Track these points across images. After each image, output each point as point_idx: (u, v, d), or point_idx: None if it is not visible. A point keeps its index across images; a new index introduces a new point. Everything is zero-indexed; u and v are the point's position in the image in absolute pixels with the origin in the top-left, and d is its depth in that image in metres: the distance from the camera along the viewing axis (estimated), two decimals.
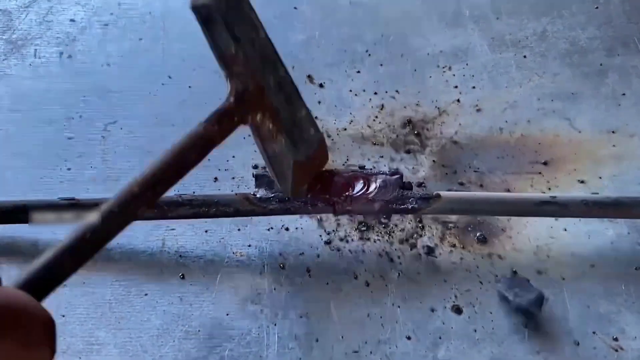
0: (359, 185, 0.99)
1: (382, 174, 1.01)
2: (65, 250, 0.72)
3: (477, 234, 1.04)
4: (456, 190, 1.09)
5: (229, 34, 0.80)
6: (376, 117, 1.19)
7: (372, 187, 0.99)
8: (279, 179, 0.90)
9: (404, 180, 1.00)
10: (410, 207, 0.98)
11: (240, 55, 0.80)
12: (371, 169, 1.07)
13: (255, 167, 1.10)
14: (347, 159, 1.13)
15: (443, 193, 0.99)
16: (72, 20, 1.31)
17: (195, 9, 0.79)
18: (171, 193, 0.99)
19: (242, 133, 1.14)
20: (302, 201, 0.98)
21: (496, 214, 1.04)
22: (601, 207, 1.00)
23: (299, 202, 0.97)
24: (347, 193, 0.98)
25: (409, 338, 0.93)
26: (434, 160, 1.13)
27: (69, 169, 1.09)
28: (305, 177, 0.91)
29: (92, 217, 0.74)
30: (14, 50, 1.26)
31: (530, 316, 0.94)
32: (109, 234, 0.75)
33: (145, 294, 0.95)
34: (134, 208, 0.76)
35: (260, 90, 0.82)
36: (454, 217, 1.05)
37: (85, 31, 1.30)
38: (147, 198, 0.77)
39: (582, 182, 1.10)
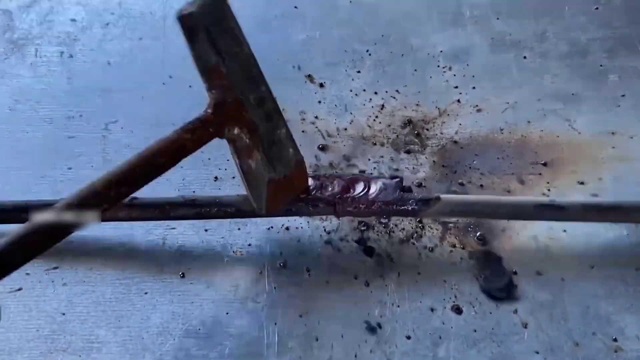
0: (359, 187, 0.99)
1: (383, 177, 1.01)
2: (17, 241, 0.73)
3: (477, 235, 1.04)
4: (456, 191, 1.09)
5: (211, 46, 0.80)
6: (376, 117, 1.19)
7: (373, 189, 0.99)
8: (252, 196, 0.90)
9: (404, 184, 1.00)
10: (410, 209, 0.98)
11: (221, 68, 0.80)
12: (371, 174, 1.07)
13: None
14: (348, 159, 1.13)
15: (443, 196, 0.99)
16: (73, 19, 1.32)
17: (180, 18, 0.79)
18: (172, 193, 1.01)
19: None
20: (304, 202, 0.98)
21: (495, 217, 1.04)
22: (600, 211, 1.00)
23: (301, 204, 0.97)
24: (348, 195, 0.98)
25: (408, 338, 0.93)
26: (434, 161, 1.14)
27: (69, 169, 1.09)
28: (281, 197, 0.91)
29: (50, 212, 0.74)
30: (15, 50, 1.26)
31: (499, 299, 0.96)
32: (65, 230, 0.76)
33: (146, 293, 0.96)
34: (95, 205, 0.76)
35: (239, 104, 0.82)
36: (454, 218, 1.06)
37: (86, 31, 1.30)
38: (110, 197, 0.77)
39: (581, 183, 1.10)
